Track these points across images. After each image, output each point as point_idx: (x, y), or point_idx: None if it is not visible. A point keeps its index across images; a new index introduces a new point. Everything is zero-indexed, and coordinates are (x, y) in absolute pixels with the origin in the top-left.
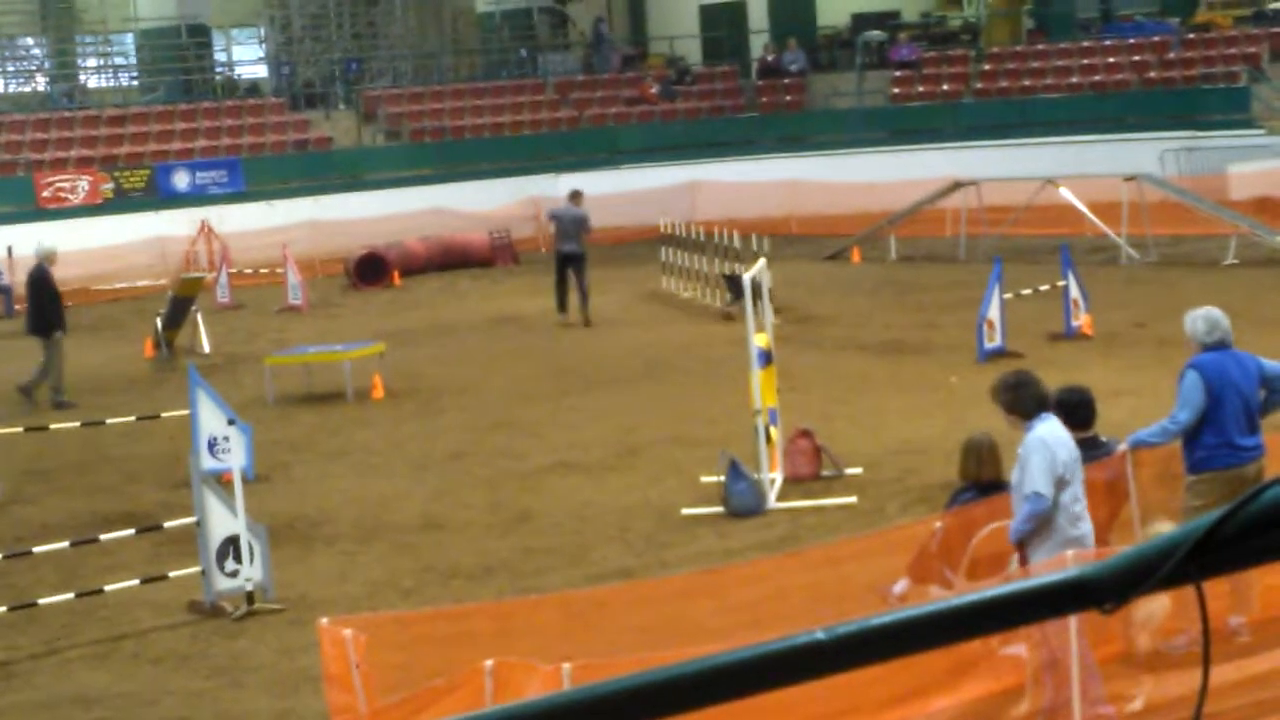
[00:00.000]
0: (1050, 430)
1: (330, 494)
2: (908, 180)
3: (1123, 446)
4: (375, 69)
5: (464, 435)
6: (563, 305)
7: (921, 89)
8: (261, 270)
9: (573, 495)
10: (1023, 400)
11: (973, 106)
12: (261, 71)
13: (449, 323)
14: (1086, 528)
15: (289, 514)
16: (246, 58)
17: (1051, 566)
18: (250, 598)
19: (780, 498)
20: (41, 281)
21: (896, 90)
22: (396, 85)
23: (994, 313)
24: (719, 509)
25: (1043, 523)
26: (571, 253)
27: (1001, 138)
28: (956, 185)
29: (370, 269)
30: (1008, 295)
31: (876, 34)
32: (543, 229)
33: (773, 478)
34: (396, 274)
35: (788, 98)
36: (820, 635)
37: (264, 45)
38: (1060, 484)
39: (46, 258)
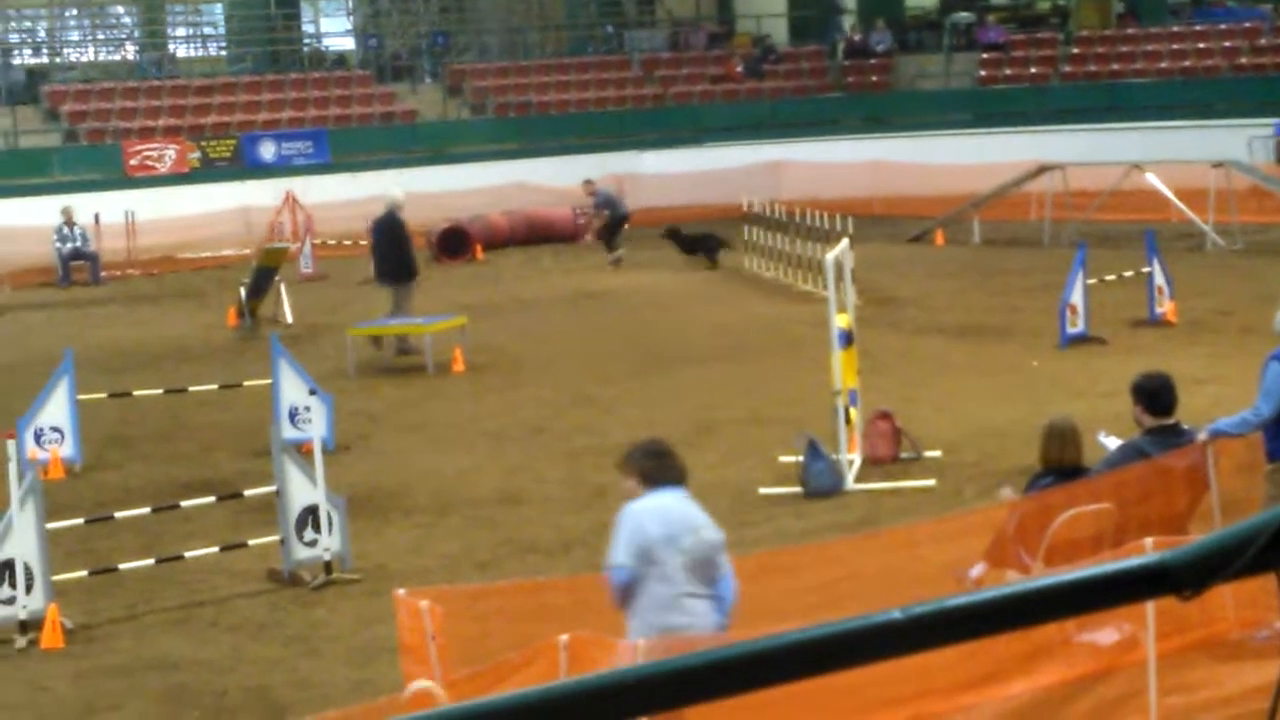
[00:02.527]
0: (656, 504)
1: (409, 466)
2: (993, 163)
3: (1202, 436)
4: (462, 43)
5: (543, 410)
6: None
7: (1009, 71)
8: (345, 241)
9: None
10: (656, 470)
11: (1060, 90)
12: (349, 43)
13: (530, 297)
14: (684, 620)
15: (368, 485)
16: (334, 29)
17: (649, 649)
18: (328, 567)
19: (858, 479)
20: (393, 229)
21: (984, 72)
22: (483, 60)
23: (1077, 298)
24: (797, 489)
25: (631, 599)
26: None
27: (1089, 122)
28: (1042, 169)
29: (453, 242)
30: (1091, 280)
31: (965, 15)
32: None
33: (851, 459)
34: (479, 247)
35: (874, 78)
36: (897, 615)
37: (351, 17)
38: (651, 562)
39: (396, 205)
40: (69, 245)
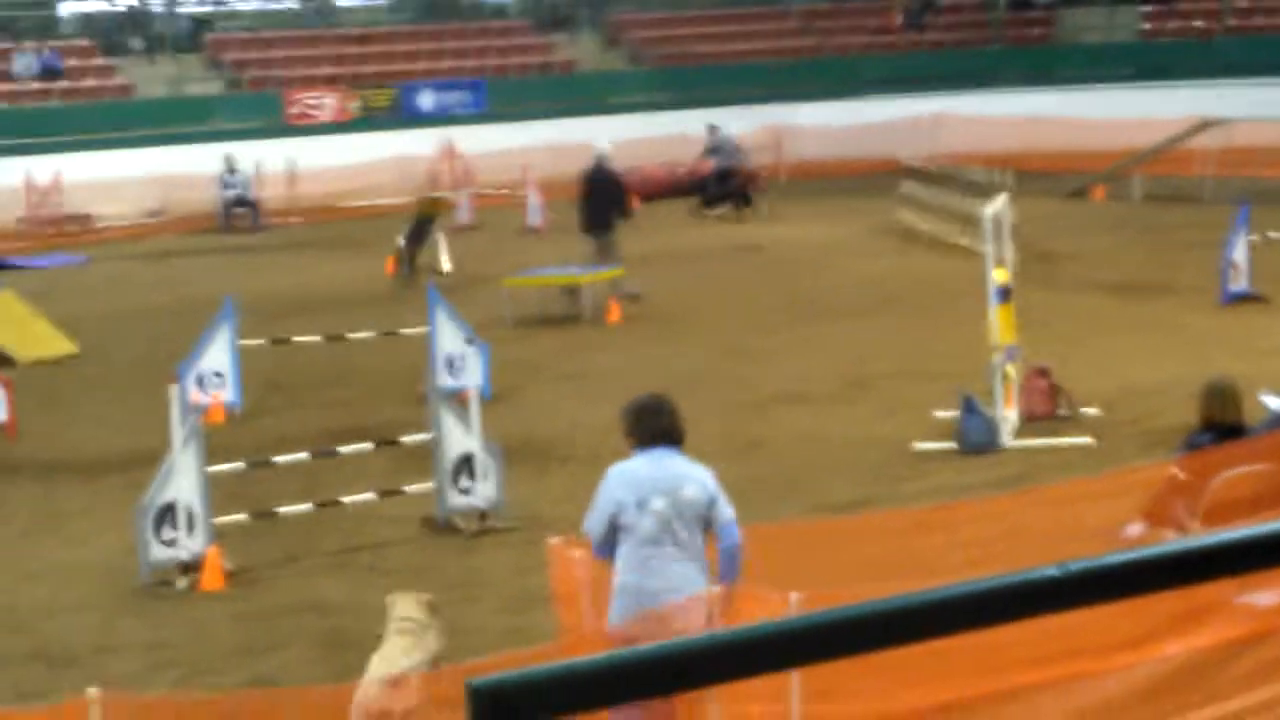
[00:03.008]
0: (630, 465)
1: (564, 416)
2: (1155, 118)
3: None
4: None
5: (698, 361)
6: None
7: (1173, 25)
8: (503, 191)
9: (804, 425)
10: (637, 429)
11: (1225, 44)
12: None
13: (686, 249)
14: (656, 583)
15: (523, 434)
16: None
17: (627, 624)
18: (483, 516)
19: (1015, 436)
20: (602, 180)
21: (1147, 26)
22: (642, 10)
23: (1239, 255)
24: (952, 445)
25: (608, 560)
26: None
27: (1254, 76)
28: (1206, 124)
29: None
30: (1254, 238)
31: None
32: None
33: (1008, 415)
34: (636, 198)
35: (1035, 31)
36: (1054, 571)
37: None
38: (621, 526)
39: (605, 157)
40: (232, 192)
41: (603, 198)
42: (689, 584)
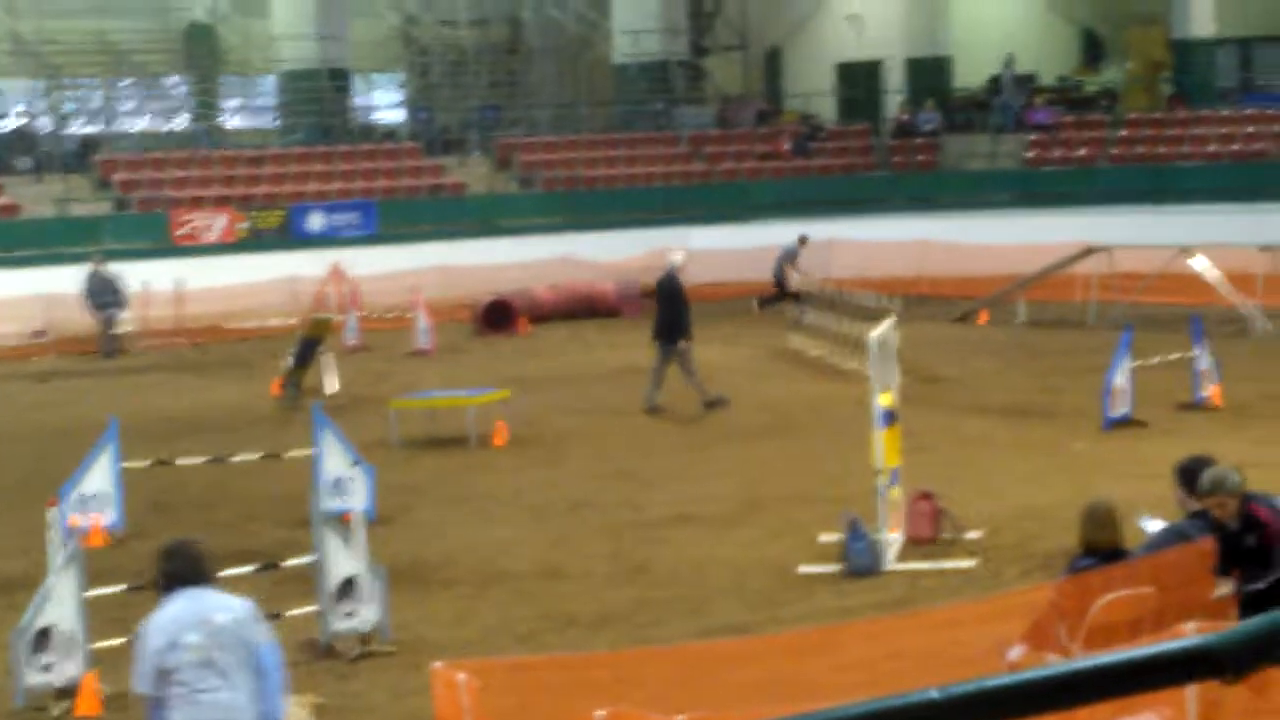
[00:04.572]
0: (159, 614)
1: (450, 538)
2: (1039, 244)
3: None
4: (511, 117)
5: (585, 484)
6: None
7: (1057, 153)
8: (390, 313)
9: (692, 548)
10: (163, 574)
11: (1109, 172)
12: (399, 116)
13: (574, 372)
14: (213, 716)
15: (408, 556)
16: (384, 102)
17: None
18: (366, 639)
19: (899, 559)
20: (673, 290)
21: (1031, 153)
22: (532, 134)
23: (1121, 380)
24: (837, 568)
25: (163, 712)
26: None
27: (1136, 204)
28: (1089, 251)
29: (498, 315)
30: (1136, 363)
31: (1012, 98)
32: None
33: (892, 538)
34: (524, 321)
35: (920, 158)
36: (935, 695)
37: (403, 90)
38: (165, 672)
39: (676, 268)
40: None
41: (668, 308)
42: (236, 712)
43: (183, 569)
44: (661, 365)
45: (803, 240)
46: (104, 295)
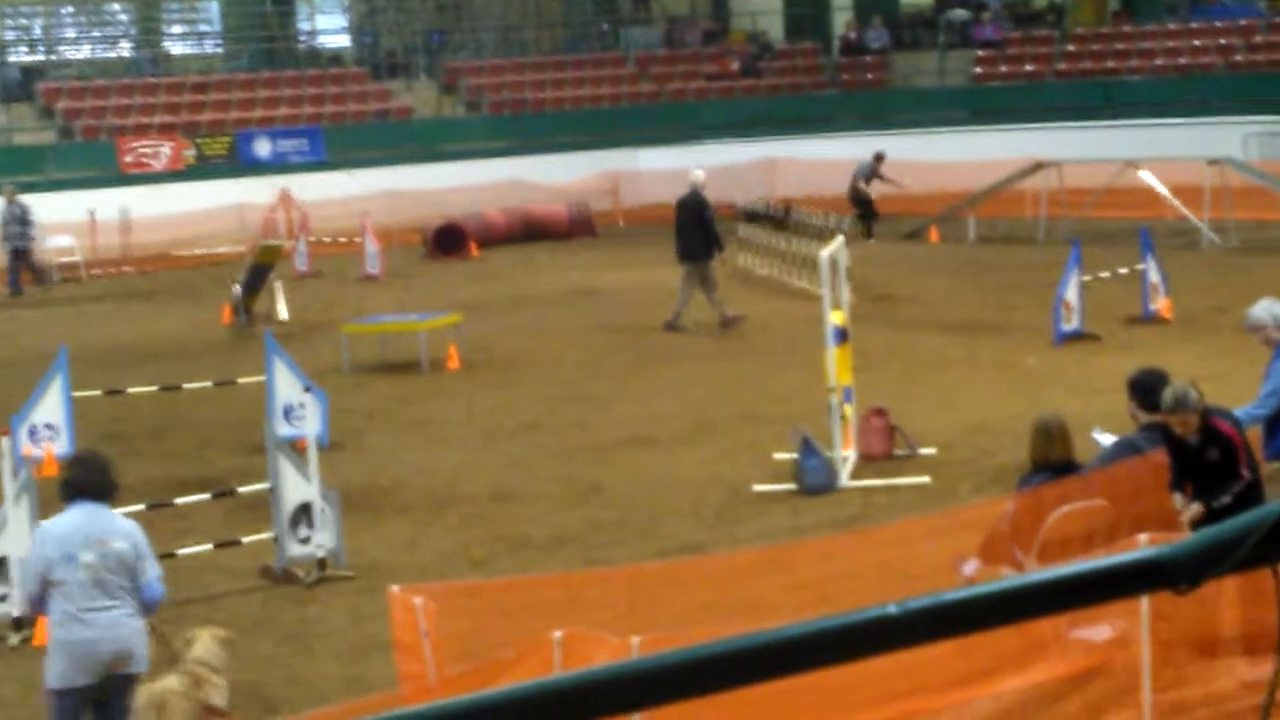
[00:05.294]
0: (58, 522)
1: (403, 463)
2: (988, 160)
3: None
4: (458, 41)
5: (537, 407)
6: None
7: (1004, 69)
8: (340, 239)
9: (644, 469)
10: (69, 479)
11: (1056, 87)
12: (344, 41)
13: (525, 294)
14: (88, 634)
15: (362, 482)
16: (330, 27)
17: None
18: (322, 564)
19: (853, 476)
20: (695, 208)
21: (979, 70)
22: (478, 57)
23: (1072, 295)
24: (791, 486)
25: (43, 613)
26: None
27: (1084, 119)
28: (1038, 166)
29: (448, 239)
30: (1086, 278)
31: (961, 13)
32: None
33: (846, 456)
34: (474, 245)
35: (869, 76)
36: (892, 610)
37: (347, 14)
38: (52, 582)
39: (698, 185)
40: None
41: (693, 226)
42: (122, 628)
43: (86, 480)
44: (689, 284)
45: (879, 157)
46: (11, 226)
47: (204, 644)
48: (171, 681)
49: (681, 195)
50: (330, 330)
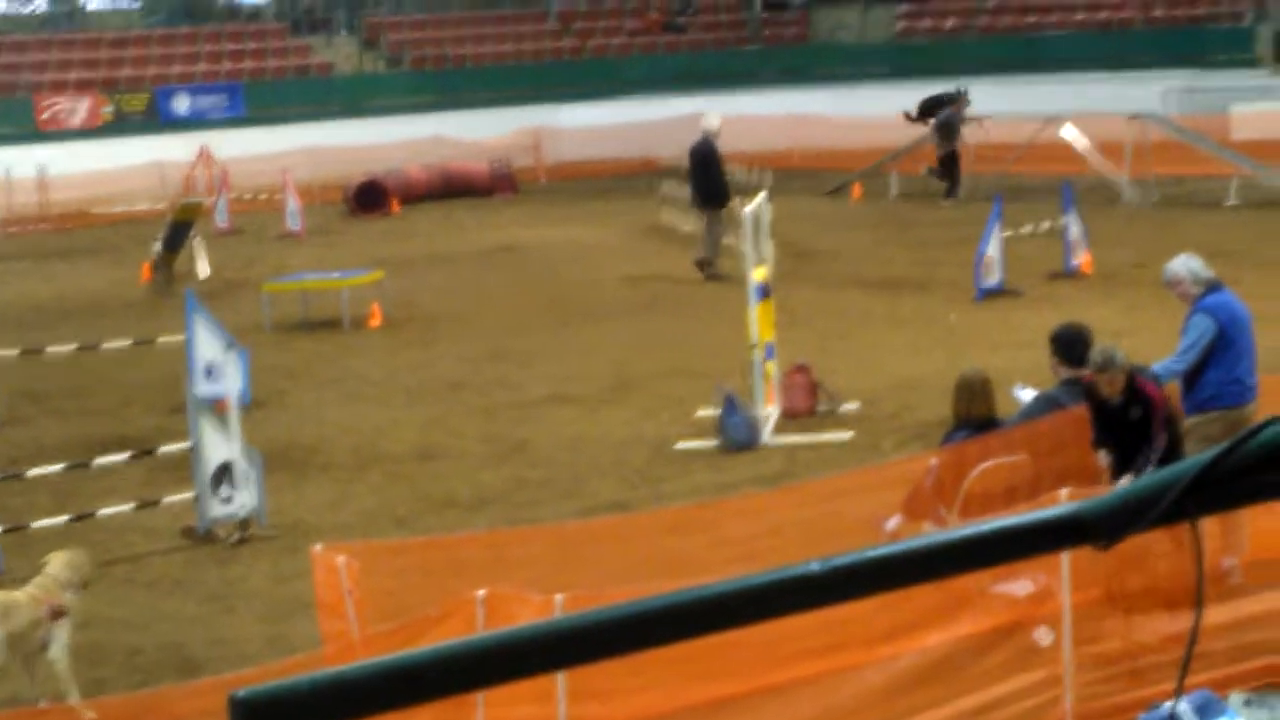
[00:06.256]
0: None
1: (326, 422)
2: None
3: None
4: None
5: (460, 365)
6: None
7: (927, 24)
8: (261, 196)
9: (568, 427)
10: None
11: (978, 43)
12: None
13: (447, 252)
14: None
15: (284, 441)
16: None
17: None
18: (244, 524)
19: (776, 432)
20: (707, 155)
21: (902, 25)
22: (399, 12)
23: (993, 250)
24: (714, 443)
25: None
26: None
27: (1005, 74)
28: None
29: (369, 196)
30: (1008, 233)
31: None
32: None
33: (768, 412)
34: (395, 202)
35: (791, 30)
36: (815, 567)
37: None
38: None
39: (711, 133)
40: None
41: (705, 173)
42: None
43: None
44: (711, 228)
45: (960, 99)
46: None
47: (57, 563)
48: (18, 592)
49: (693, 142)
50: (251, 288)
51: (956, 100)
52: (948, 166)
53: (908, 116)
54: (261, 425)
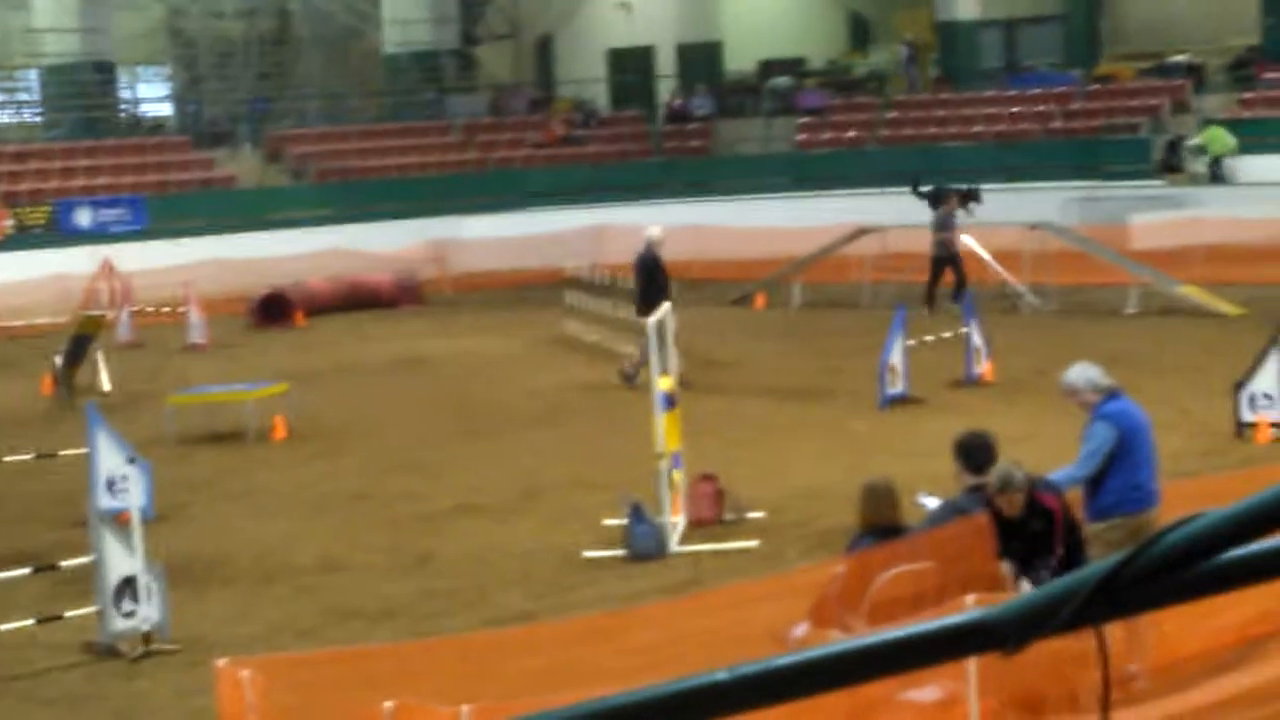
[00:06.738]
0: None
1: (230, 534)
2: (813, 227)
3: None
4: (282, 109)
5: (365, 477)
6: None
7: (827, 136)
8: (164, 309)
9: (474, 538)
10: None
11: (878, 154)
12: (167, 109)
13: (352, 363)
14: None
15: (187, 554)
16: (152, 95)
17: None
18: (147, 638)
19: (682, 541)
20: (651, 265)
21: (803, 137)
22: (303, 125)
23: (897, 359)
24: (621, 552)
25: None
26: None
27: (907, 185)
28: (862, 232)
29: (273, 309)
30: (911, 342)
31: (784, 81)
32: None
33: (675, 521)
34: (300, 314)
35: (694, 143)
36: (723, 676)
37: (170, 83)
38: None
39: (654, 243)
40: None
41: (647, 283)
42: None
43: None
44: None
45: (956, 197)
46: None
47: None
48: None
49: (637, 252)
50: (155, 401)
51: (947, 199)
52: (935, 269)
53: (916, 190)
54: (165, 538)
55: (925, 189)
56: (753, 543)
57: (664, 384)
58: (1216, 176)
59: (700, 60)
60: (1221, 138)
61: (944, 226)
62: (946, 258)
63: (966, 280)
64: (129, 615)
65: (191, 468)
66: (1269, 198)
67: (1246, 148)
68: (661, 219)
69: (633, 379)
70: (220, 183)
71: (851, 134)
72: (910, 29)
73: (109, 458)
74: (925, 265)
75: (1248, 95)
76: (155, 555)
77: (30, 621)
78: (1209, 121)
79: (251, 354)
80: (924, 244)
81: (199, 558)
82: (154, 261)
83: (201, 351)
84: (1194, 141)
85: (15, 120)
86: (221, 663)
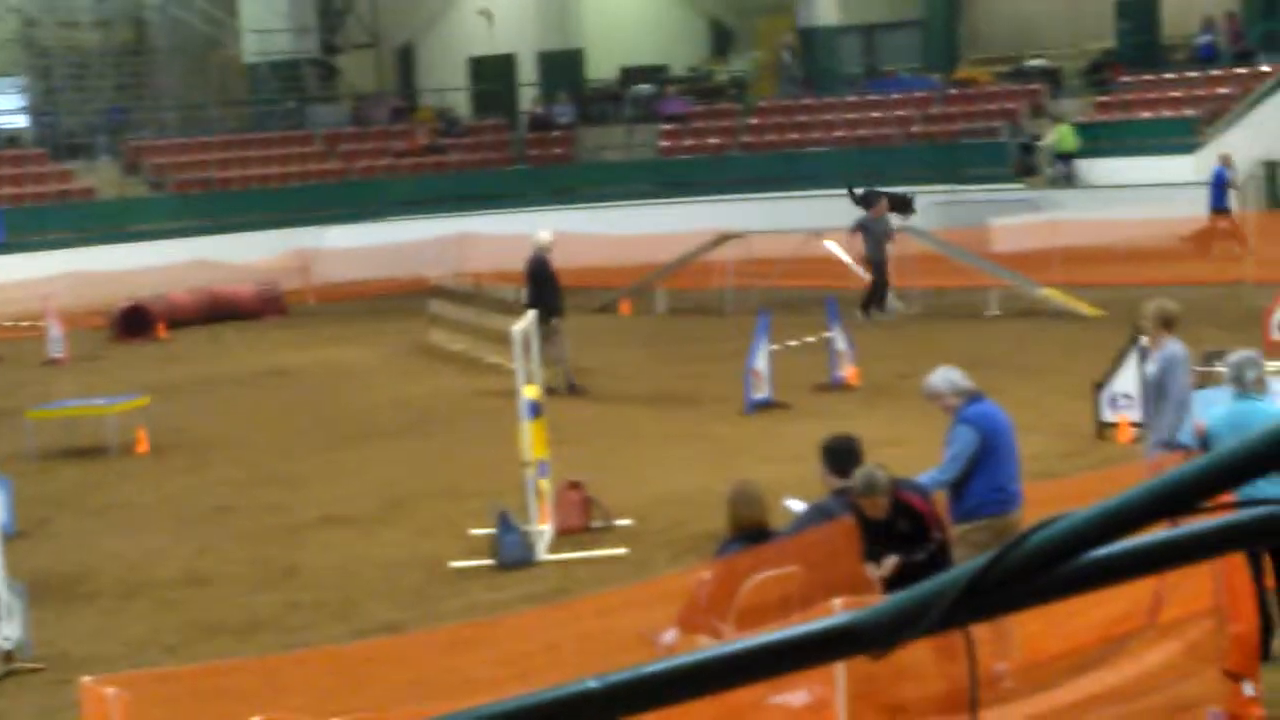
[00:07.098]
0: None
1: (92, 550)
2: (676, 233)
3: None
4: (140, 119)
5: (229, 490)
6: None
7: (690, 142)
8: (22, 323)
9: (340, 549)
10: None
11: (740, 160)
12: (22, 121)
13: (215, 376)
14: None
15: (49, 570)
16: (7, 107)
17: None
18: (9, 657)
19: (550, 550)
20: (541, 270)
21: (665, 143)
22: (161, 136)
23: (761, 364)
24: (489, 561)
25: None
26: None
27: (768, 191)
28: (724, 238)
29: (134, 321)
30: (775, 346)
31: (646, 87)
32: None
33: (543, 530)
34: (162, 326)
35: (557, 150)
36: (593, 684)
37: (24, 94)
38: None
39: (542, 248)
40: None
41: (536, 288)
42: None
43: None
44: (553, 342)
45: (891, 203)
46: None
47: None
48: None
49: (527, 258)
50: (13, 416)
51: (876, 204)
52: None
53: (851, 193)
54: (26, 555)
55: (858, 191)
56: (621, 550)
57: (530, 392)
58: (1063, 175)
59: (562, 68)
60: (1068, 136)
61: (872, 229)
62: (877, 260)
63: (885, 287)
64: None
65: (53, 483)
66: (1125, 199)
67: (1103, 151)
68: (525, 227)
69: (575, 386)
70: (78, 195)
71: (713, 140)
72: (771, 35)
73: None
74: (788, 271)
75: (1104, 99)
76: (16, 573)
77: None
78: (1058, 120)
79: (113, 367)
80: (787, 249)
81: (61, 574)
82: (12, 275)
83: (62, 365)
84: (1047, 140)
85: None
86: (86, 680)
